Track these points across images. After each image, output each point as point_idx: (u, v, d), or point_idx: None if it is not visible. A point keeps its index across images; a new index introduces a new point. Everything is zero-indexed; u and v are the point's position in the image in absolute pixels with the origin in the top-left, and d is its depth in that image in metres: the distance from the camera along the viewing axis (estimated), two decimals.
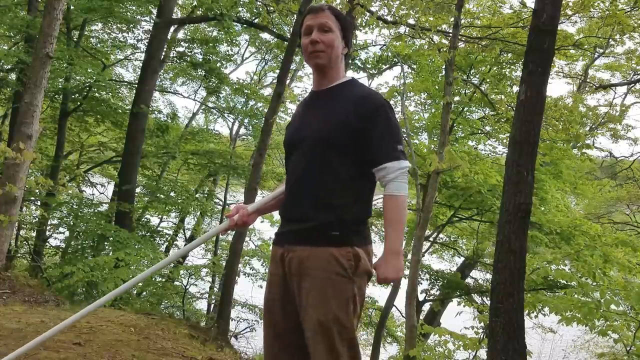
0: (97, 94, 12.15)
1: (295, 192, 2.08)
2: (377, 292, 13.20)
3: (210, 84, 13.53)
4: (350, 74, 2.27)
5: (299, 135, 2.13)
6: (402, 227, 2.01)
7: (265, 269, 12.46)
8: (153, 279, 9.60)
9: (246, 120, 15.44)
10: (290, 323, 2.07)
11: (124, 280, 7.96)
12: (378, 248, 2.08)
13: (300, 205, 2.05)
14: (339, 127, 2.03)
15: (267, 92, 16.02)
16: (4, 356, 3.39)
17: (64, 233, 12.03)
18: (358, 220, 2.05)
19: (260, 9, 11.56)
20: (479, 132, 12.87)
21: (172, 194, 13.26)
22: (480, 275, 13.88)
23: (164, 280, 10.45)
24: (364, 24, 8.26)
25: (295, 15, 9.53)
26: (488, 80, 11.81)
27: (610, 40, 10.34)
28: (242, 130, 17.14)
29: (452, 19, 7.79)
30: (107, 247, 9.50)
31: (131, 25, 12.30)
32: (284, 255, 2.07)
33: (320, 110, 2.12)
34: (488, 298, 7.78)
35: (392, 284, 1.94)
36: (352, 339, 1.98)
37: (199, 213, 14.32)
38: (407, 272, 8.53)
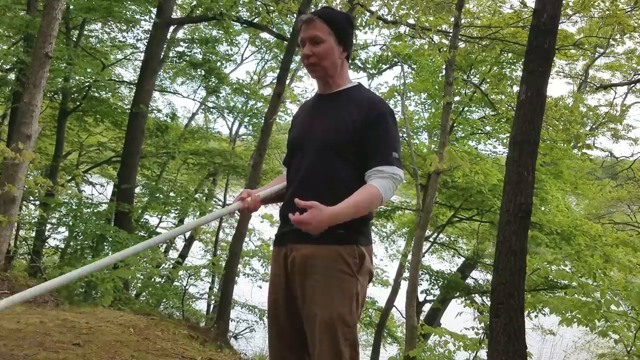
0: (96, 94, 12.14)
1: (299, 194, 2.05)
2: (377, 293, 13.20)
3: (210, 83, 13.53)
4: (350, 74, 2.26)
5: (303, 138, 2.13)
6: (358, 210, 1.93)
7: (265, 270, 12.44)
8: (152, 279, 9.58)
9: (246, 120, 15.44)
10: (294, 323, 2.07)
11: (124, 280, 7.96)
12: (377, 248, 2.06)
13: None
14: (343, 132, 2.03)
15: (267, 92, 16.01)
16: (4, 356, 3.37)
17: (63, 233, 12.02)
18: (362, 221, 2.04)
19: (260, 9, 11.54)
20: (479, 132, 12.86)
21: (171, 194, 13.25)
22: (480, 276, 13.88)
23: (163, 280, 10.43)
24: (364, 24, 8.25)
25: (295, 15, 9.51)
26: (488, 80, 11.80)
27: (611, 40, 10.35)
28: (242, 130, 17.16)
29: (452, 18, 7.79)
30: (106, 248, 9.48)
31: (131, 25, 12.29)
32: (287, 255, 2.07)
33: (325, 114, 2.11)
34: (488, 298, 7.77)
35: (310, 232, 1.85)
36: (354, 339, 1.98)
37: (198, 213, 14.29)
38: (407, 272, 8.53)
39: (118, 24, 12.44)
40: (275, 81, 11.50)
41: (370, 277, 2.09)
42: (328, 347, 1.93)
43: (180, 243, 15.36)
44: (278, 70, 10.34)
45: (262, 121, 9.39)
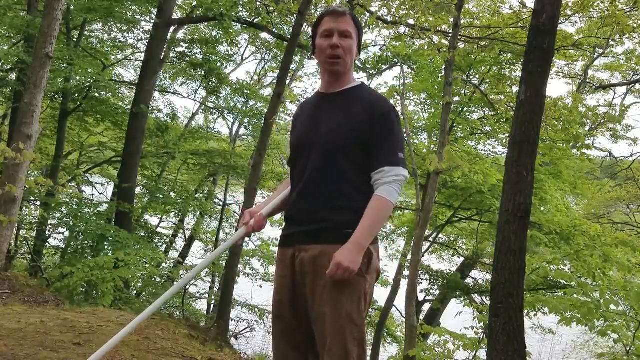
0: (97, 94, 12.14)
1: (306, 195, 2.08)
2: (377, 292, 13.17)
3: (210, 84, 13.54)
4: None
5: (308, 138, 2.12)
6: (376, 229, 2.00)
7: (265, 269, 12.45)
8: (153, 279, 9.61)
9: (246, 120, 15.45)
10: (300, 323, 2.08)
11: (124, 280, 7.97)
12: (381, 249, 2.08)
13: (312, 208, 2.05)
14: (351, 132, 2.04)
15: (267, 92, 16.03)
16: (4, 356, 3.39)
17: (63, 233, 12.02)
18: None
19: (260, 9, 11.54)
20: (479, 132, 12.87)
21: (171, 194, 13.26)
22: (479, 276, 13.89)
23: (163, 280, 10.45)
24: (363, 24, 8.27)
25: (295, 16, 9.52)
26: (488, 80, 11.81)
27: (610, 40, 10.35)
28: (242, 130, 17.16)
29: (452, 19, 7.80)
30: (106, 248, 9.49)
31: (131, 25, 12.29)
32: (294, 256, 2.07)
33: (331, 114, 2.11)
34: (488, 298, 7.78)
35: (346, 276, 1.89)
36: (362, 338, 2.02)
37: (198, 213, 14.31)
38: (406, 272, 8.53)
39: (118, 25, 12.44)
40: (275, 81, 11.51)
41: (377, 276, 2.11)
42: (337, 346, 1.95)
43: (180, 243, 15.38)
44: (278, 71, 10.35)
45: (262, 121, 9.40)
